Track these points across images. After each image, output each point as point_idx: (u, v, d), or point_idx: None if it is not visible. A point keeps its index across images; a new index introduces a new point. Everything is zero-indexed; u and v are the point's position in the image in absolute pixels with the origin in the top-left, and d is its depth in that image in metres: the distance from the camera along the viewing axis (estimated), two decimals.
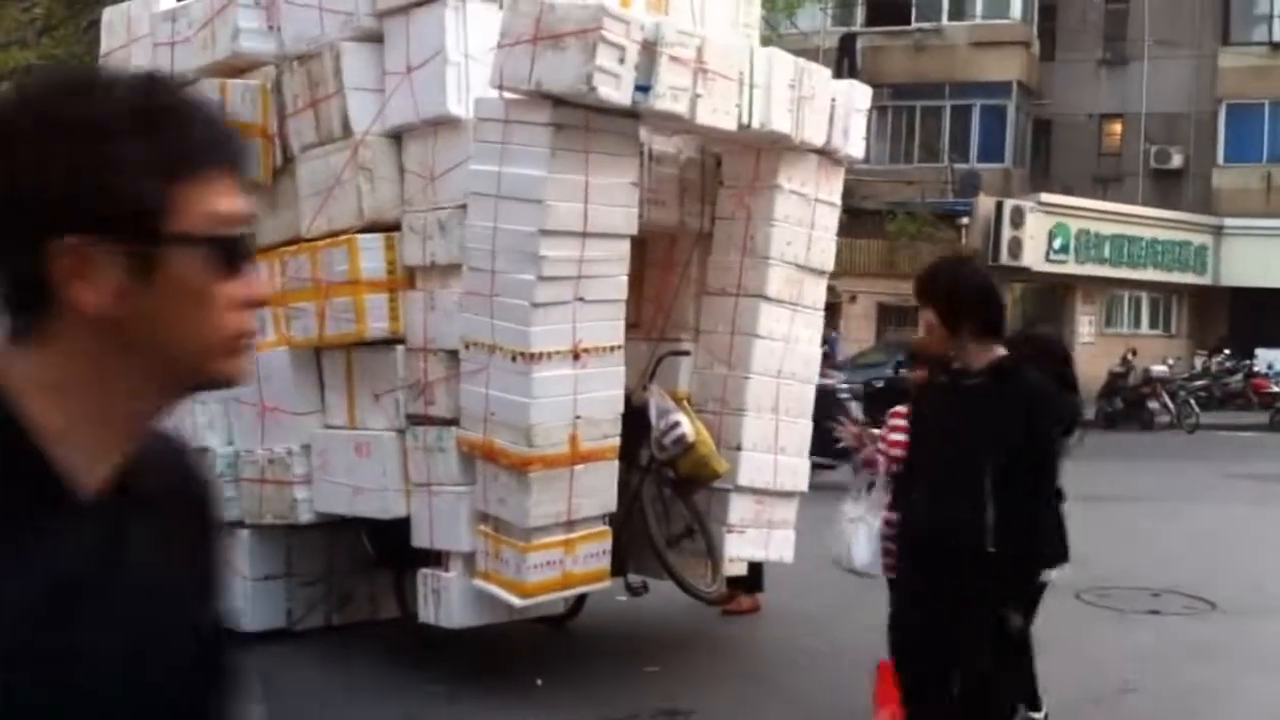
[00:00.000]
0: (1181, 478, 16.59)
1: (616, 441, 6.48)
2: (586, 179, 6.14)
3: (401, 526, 6.68)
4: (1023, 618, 4.90)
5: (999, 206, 27.97)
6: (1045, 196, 29.48)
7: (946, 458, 4.62)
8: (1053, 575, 5.76)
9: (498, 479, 6.26)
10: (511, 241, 6.11)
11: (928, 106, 31.63)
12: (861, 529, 5.68)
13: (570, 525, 6.35)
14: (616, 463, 6.52)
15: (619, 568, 6.94)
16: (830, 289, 8.36)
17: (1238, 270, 30.52)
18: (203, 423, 7.47)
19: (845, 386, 15.97)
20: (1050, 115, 33.39)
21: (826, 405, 8.74)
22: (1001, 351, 4.61)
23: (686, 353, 7.39)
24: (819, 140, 7.16)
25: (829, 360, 13.36)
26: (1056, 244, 28.94)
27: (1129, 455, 19.64)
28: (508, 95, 6.16)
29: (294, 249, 7.08)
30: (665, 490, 7.12)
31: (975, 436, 4.51)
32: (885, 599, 7.27)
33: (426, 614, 6.61)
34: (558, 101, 6.01)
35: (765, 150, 7.15)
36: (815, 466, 7.73)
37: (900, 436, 5.52)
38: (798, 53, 7.40)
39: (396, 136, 6.82)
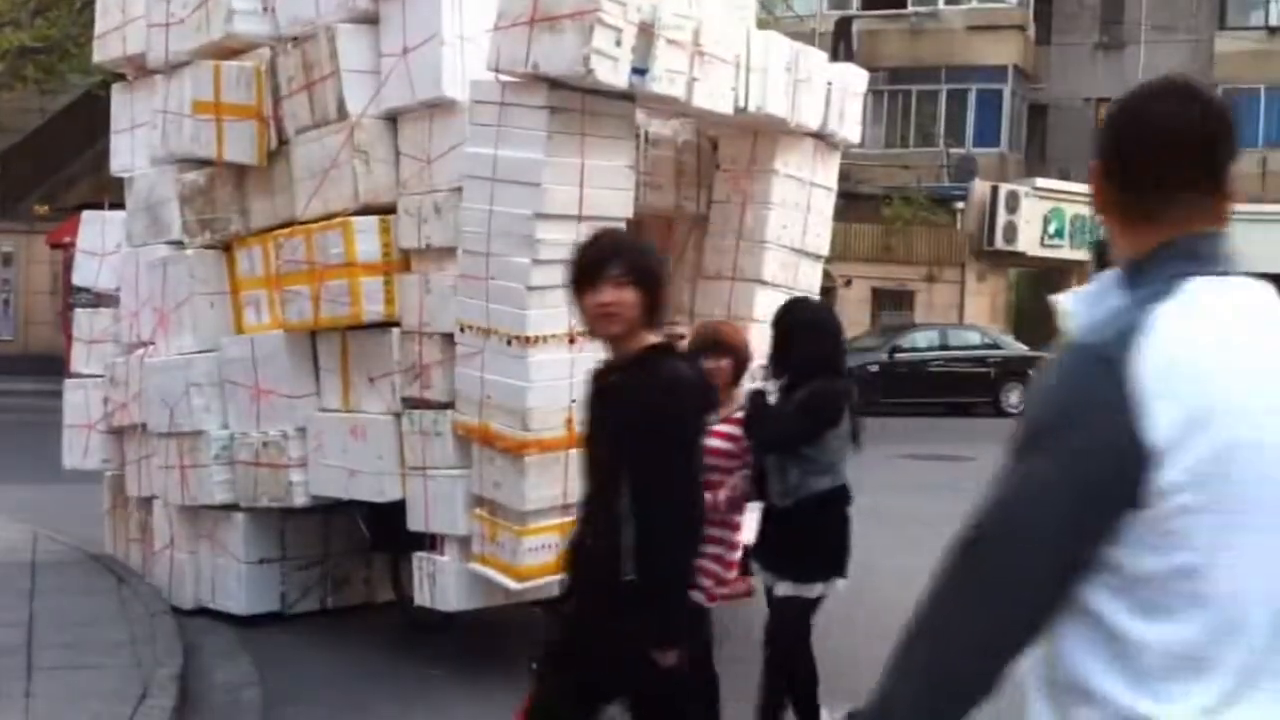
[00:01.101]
0: None
1: None
2: (583, 162, 6.12)
3: (397, 510, 6.68)
4: (689, 659, 3.84)
5: (994, 191, 27.98)
6: (1041, 181, 29.50)
7: (591, 469, 3.86)
8: (785, 590, 5.23)
9: (494, 462, 6.25)
10: (507, 225, 6.10)
11: (924, 91, 31.59)
12: None
13: (566, 509, 6.32)
14: None
15: None
16: (826, 273, 8.36)
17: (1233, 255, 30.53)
18: (198, 405, 7.46)
19: None
20: (1046, 99, 33.37)
21: None
22: (653, 339, 3.75)
23: (683, 336, 7.37)
24: (815, 124, 7.15)
25: None
26: (1052, 229, 28.96)
27: None
28: (504, 78, 6.14)
29: (289, 232, 7.06)
30: None
31: (609, 443, 3.74)
32: (879, 581, 7.27)
33: (422, 597, 6.61)
34: (554, 84, 5.99)
35: (761, 134, 7.14)
36: None
37: (718, 444, 5.00)
38: (794, 36, 7.40)
39: (392, 119, 6.79)
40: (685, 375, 3.80)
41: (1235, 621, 1.71)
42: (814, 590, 5.33)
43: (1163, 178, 1.87)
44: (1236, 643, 1.71)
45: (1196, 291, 1.81)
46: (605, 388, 3.78)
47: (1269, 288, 1.87)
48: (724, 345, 5.31)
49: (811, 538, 5.30)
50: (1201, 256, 1.86)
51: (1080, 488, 1.71)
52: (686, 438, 3.76)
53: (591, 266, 3.72)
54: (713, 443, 4.81)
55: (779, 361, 5.40)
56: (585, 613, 3.86)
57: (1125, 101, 1.93)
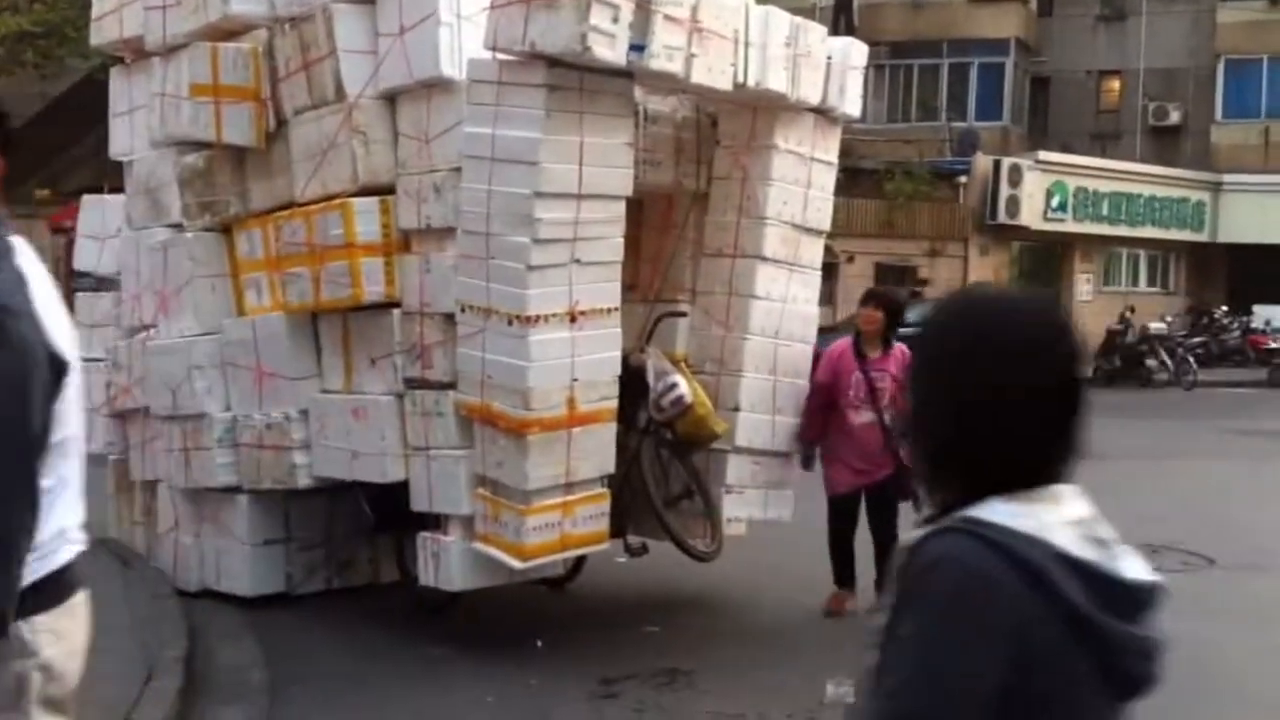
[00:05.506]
0: (1179, 435, 16.61)
1: (614, 404, 6.47)
2: (581, 140, 6.10)
3: (400, 490, 6.68)
4: None
5: (997, 165, 27.85)
6: (1043, 154, 29.37)
7: None
8: None
9: (496, 442, 6.25)
10: (506, 204, 6.08)
11: (925, 64, 31.44)
12: None
13: (569, 488, 6.35)
14: (614, 425, 6.52)
15: (618, 529, 6.95)
16: (827, 249, 8.34)
17: (1236, 227, 30.41)
18: (201, 388, 7.46)
19: None
20: (1048, 72, 33.20)
21: None
22: None
23: (684, 314, 7.37)
24: (815, 99, 7.12)
25: None
26: (1054, 202, 28.85)
27: (1127, 413, 19.62)
28: (501, 57, 6.11)
29: (288, 214, 7.05)
30: (663, 452, 7.12)
31: None
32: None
33: (426, 577, 6.62)
34: (552, 62, 5.97)
35: (761, 109, 7.11)
36: None
37: None
38: (793, 10, 7.35)
39: (390, 99, 6.77)
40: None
41: (66, 476, 2.69)
42: None
43: None
44: (70, 484, 2.73)
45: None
46: None
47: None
48: None
49: None
50: None
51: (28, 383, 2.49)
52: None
53: None
54: None
55: None
56: None
57: None
